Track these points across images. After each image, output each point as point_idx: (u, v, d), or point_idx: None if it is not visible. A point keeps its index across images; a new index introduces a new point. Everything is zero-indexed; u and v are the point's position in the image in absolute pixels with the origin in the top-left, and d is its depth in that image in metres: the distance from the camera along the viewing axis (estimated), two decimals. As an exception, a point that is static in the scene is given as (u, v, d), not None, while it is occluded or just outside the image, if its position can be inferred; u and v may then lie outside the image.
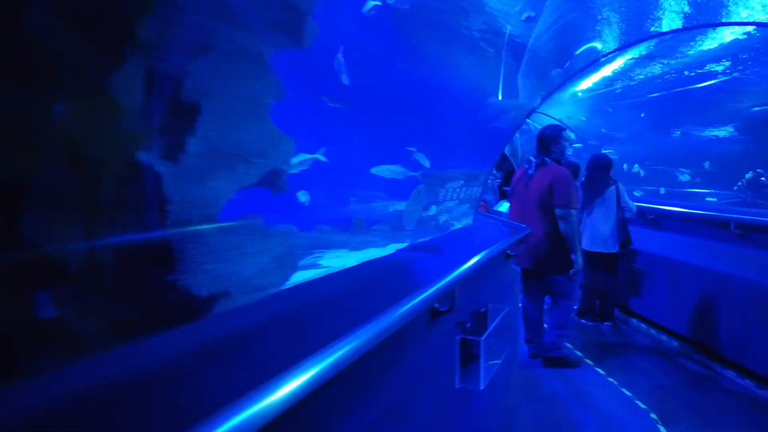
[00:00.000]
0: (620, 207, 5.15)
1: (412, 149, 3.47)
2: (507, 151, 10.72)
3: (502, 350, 2.36)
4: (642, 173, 7.68)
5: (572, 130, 8.42)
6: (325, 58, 2.16)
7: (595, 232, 5.22)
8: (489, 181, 6.10)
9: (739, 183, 6.51)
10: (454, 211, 3.36)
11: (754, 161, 6.74)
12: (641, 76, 5.99)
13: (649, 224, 5.62)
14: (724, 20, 3.90)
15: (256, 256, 1.75)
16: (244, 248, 1.69)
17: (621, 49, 4.08)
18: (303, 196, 2.40)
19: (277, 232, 1.97)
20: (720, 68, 5.44)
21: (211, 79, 1.49)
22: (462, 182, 3.71)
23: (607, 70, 5.78)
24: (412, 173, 2.61)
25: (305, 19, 1.77)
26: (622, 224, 5.22)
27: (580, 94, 6.93)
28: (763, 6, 3.76)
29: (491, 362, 2.10)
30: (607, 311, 5.41)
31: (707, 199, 7.39)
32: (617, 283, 5.39)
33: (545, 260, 3.75)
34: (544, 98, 3.95)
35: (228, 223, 1.63)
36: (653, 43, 5.20)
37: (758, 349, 3.78)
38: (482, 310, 2.17)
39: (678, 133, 7.43)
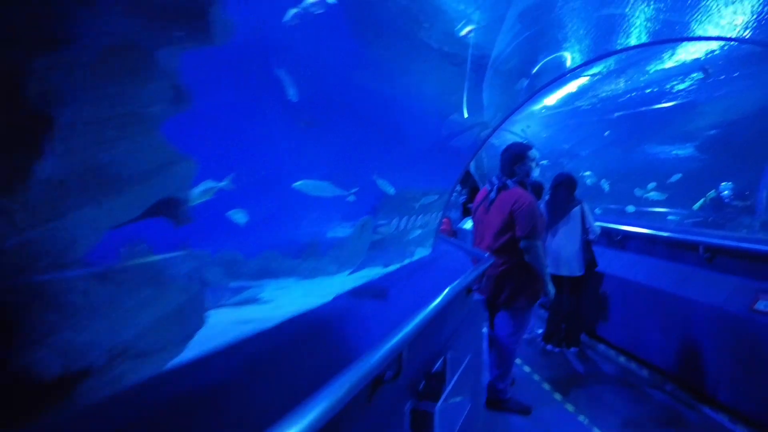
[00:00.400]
0: (585, 228, 4.95)
1: (374, 177, 3.11)
2: (472, 166, 10.55)
3: (462, 407, 2.01)
4: (606, 188, 7.61)
5: (536, 147, 8.33)
6: (248, 59, 1.78)
7: (559, 254, 5.00)
8: (452, 197, 5.83)
9: (702, 201, 6.48)
10: (410, 240, 3.03)
11: (713, 180, 6.74)
12: (605, 93, 5.89)
13: (615, 245, 5.45)
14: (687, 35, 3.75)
15: (141, 311, 1.35)
16: (120, 302, 1.29)
17: (587, 64, 3.88)
18: (239, 217, 2.01)
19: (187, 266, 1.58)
20: (682, 86, 5.37)
21: (69, 81, 1.09)
22: (421, 205, 3.39)
23: (572, 87, 5.63)
24: (343, 191, 2.26)
25: (212, 9, 1.40)
26: (587, 246, 5.02)
27: (544, 111, 6.78)
28: (728, 23, 3.64)
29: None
30: (572, 336, 5.18)
31: (669, 218, 7.37)
32: (583, 306, 5.18)
33: (502, 292, 3.37)
34: (509, 114, 3.69)
35: (97, 270, 1.23)
36: (617, 60, 5.08)
37: (732, 382, 3.59)
38: (438, 365, 1.82)
39: (640, 150, 7.41)
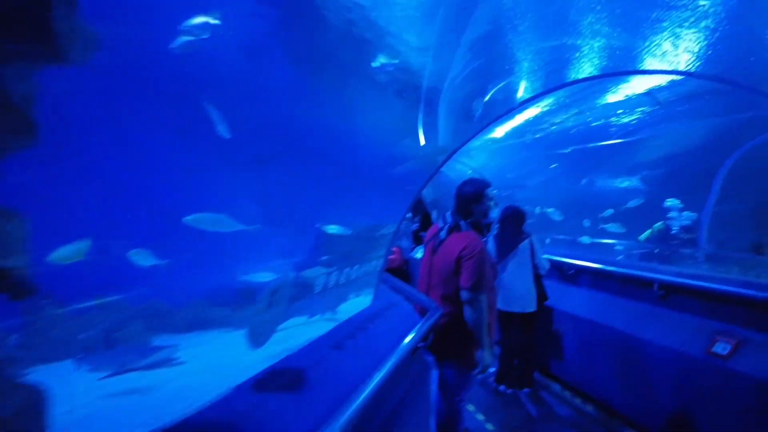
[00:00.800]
0: (534, 262, 4.79)
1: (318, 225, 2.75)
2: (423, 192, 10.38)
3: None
4: (558, 218, 7.57)
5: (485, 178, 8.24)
6: (130, 82, 1.40)
7: (510, 289, 4.80)
8: (402, 225, 5.57)
9: (648, 233, 6.51)
10: (346, 290, 2.67)
11: (657, 213, 6.82)
12: (554, 128, 5.83)
13: (568, 280, 5.29)
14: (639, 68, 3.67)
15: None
16: None
17: (538, 97, 3.71)
18: (144, 259, 1.66)
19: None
20: (629, 120, 5.37)
21: None
22: (366, 244, 3.05)
23: (521, 118, 5.52)
24: (244, 225, 1.92)
25: (59, 15, 1.02)
26: (537, 280, 4.85)
27: (490, 143, 6.67)
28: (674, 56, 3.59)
29: None
30: (525, 376, 4.94)
31: (616, 247, 7.40)
32: (535, 344, 4.97)
33: (445, 346, 2.93)
34: (458, 148, 3.45)
35: None
36: (565, 94, 5.01)
37: (691, 428, 3.40)
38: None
39: (588, 182, 7.44)
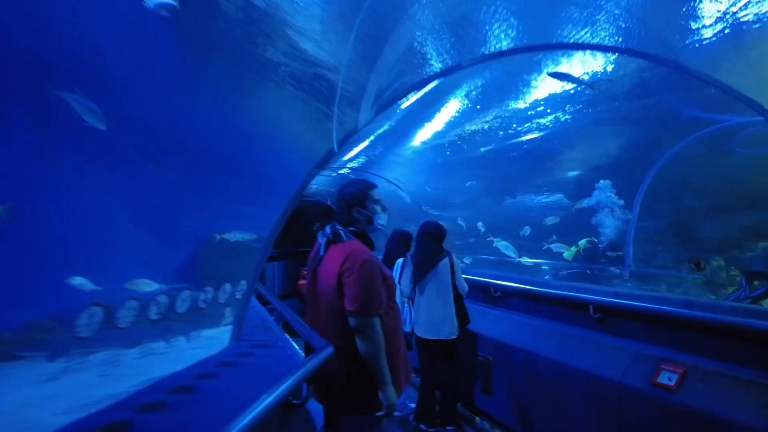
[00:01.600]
0: (454, 283, 4.26)
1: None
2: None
3: None
4: (483, 230, 7.17)
5: (408, 194, 7.71)
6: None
7: (429, 315, 4.22)
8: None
9: (573, 250, 6.22)
10: (194, 330, 1.92)
11: (582, 229, 6.60)
12: (470, 134, 5.42)
13: (495, 302, 4.79)
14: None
15: None
16: None
17: (445, 73, 3.17)
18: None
19: None
20: (546, 124, 5.04)
21: None
22: (222, 266, 2.30)
23: (437, 125, 5.05)
24: None
25: None
26: (459, 302, 4.31)
27: (409, 153, 6.16)
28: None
29: None
30: (449, 411, 4.32)
31: (543, 267, 7.09)
32: (458, 375, 4.39)
33: (338, 395, 2.28)
34: (347, 137, 2.83)
35: None
36: (480, 98, 4.61)
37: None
38: None
39: (510, 198, 7.14)
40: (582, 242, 6.19)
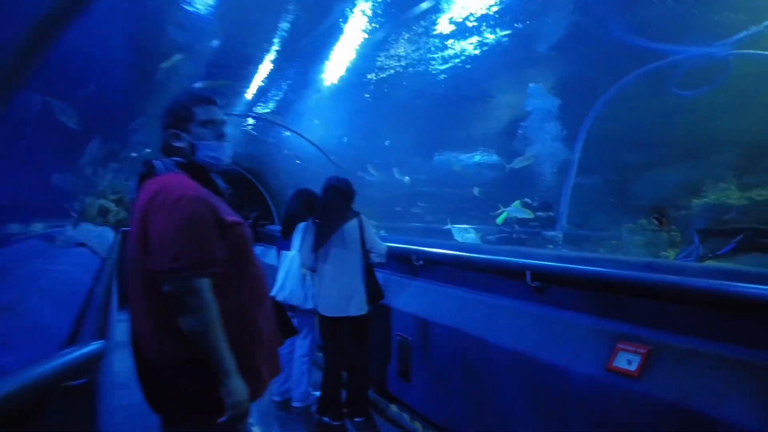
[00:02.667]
0: (365, 249, 3.49)
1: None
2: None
3: None
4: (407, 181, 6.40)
5: (332, 154, 6.74)
6: None
7: (334, 288, 3.45)
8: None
9: (505, 214, 5.61)
10: None
11: (515, 190, 6.01)
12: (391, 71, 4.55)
13: (416, 273, 4.04)
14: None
15: None
16: None
17: None
18: None
19: None
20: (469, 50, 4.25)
21: None
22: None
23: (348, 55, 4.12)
24: None
25: None
26: (370, 272, 3.58)
27: (320, 94, 5.18)
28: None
29: None
30: (358, 401, 3.61)
31: (468, 234, 6.47)
32: (370, 357, 3.67)
33: (160, 390, 1.53)
34: None
35: None
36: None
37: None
38: None
39: (438, 155, 6.41)
40: (515, 204, 5.60)
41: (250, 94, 4.96)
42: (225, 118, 1.67)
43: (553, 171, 5.54)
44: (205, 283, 1.41)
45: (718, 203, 4.88)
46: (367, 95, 5.02)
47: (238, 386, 1.44)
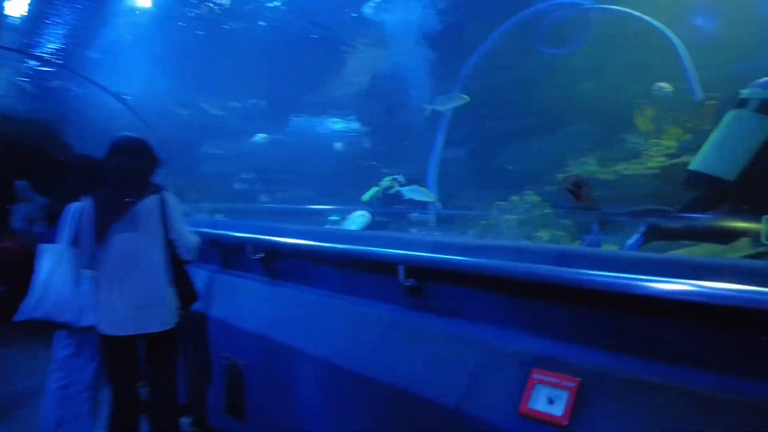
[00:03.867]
0: (169, 238, 2.54)
1: None
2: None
3: None
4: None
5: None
6: None
7: (122, 293, 2.39)
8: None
9: (373, 191, 4.84)
10: None
11: (380, 162, 5.28)
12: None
13: (253, 269, 3.04)
14: None
15: None
16: None
17: None
18: None
19: None
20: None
21: None
22: None
23: None
24: None
25: None
26: (179, 269, 2.59)
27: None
28: None
29: None
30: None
31: (331, 218, 5.61)
32: (179, 381, 2.67)
33: None
34: None
35: None
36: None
37: None
38: None
39: (298, 120, 5.40)
40: (385, 181, 4.86)
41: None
42: None
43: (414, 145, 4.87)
44: None
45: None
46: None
47: None
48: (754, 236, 2.78)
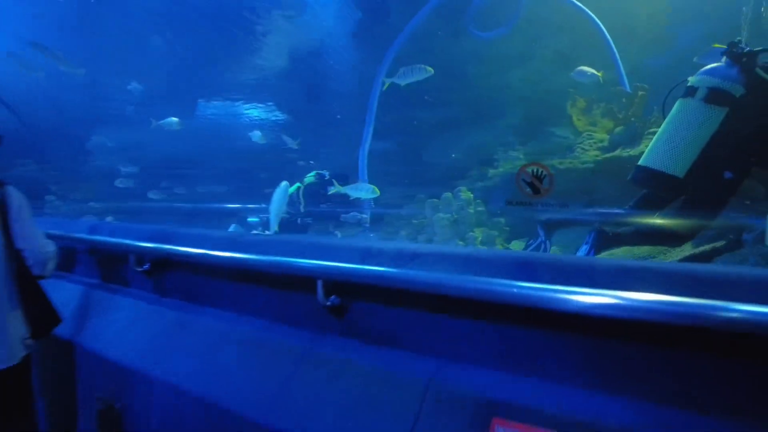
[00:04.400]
0: (11, 246, 1.94)
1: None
2: None
3: None
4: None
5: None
6: None
7: None
8: None
9: (297, 186, 4.33)
10: None
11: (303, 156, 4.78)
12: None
13: (138, 284, 2.46)
14: None
15: None
16: None
17: None
18: None
19: None
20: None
21: None
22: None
23: None
24: None
25: None
26: (31, 287, 2.01)
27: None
28: None
29: None
30: None
31: (250, 219, 5.05)
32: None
33: None
34: None
35: None
36: None
37: None
38: None
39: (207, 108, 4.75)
40: (309, 175, 4.37)
41: None
42: None
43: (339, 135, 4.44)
44: None
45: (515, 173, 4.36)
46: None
47: None
48: (705, 236, 2.63)
